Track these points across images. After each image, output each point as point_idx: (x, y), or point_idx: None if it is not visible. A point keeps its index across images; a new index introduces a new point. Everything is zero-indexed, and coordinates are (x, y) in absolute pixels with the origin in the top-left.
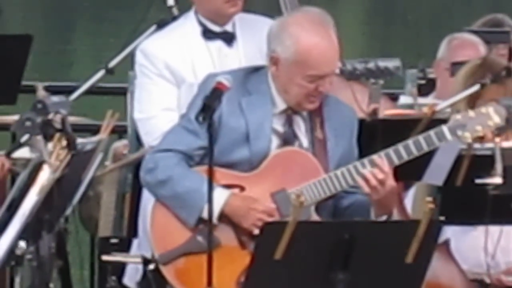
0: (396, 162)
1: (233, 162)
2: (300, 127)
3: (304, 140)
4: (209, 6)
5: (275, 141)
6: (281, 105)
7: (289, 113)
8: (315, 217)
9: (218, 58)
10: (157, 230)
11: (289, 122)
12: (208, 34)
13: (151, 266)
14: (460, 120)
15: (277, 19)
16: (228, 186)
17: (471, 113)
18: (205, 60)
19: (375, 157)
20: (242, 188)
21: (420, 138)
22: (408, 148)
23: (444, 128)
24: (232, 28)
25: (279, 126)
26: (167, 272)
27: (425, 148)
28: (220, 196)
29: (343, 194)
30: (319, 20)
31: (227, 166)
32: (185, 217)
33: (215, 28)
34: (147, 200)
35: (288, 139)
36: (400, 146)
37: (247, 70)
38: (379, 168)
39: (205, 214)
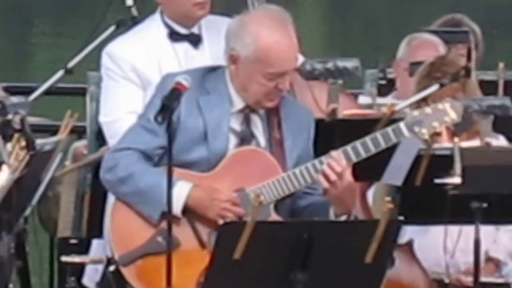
0: (354, 159)
1: (191, 161)
2: (258, 126)
3: (262, 140)
4: (177, 9)
5: (233, 140)
6: (238, 104)
7: (247, 112)
8: (274, 216)
9: (185, 60)
10: (116, 231)
11: (246, 121)
12: (174, 36)
13: (111, 268)
14: (417, 116)
15: (235, 17)
16: None
17: (428, 109)
18: (171, 62)
19: (332, 152)
20: None
21: (378, 134)
22: (365, 145)
23: (401, 125)
24: (198, 30)
25: (236, 125)
26: (127, 273)
27: (383, 145)
28: (183, 189)
29: (301, 194)
30: (279, 17)
31: (185, 166)
32: (149, 213)
33: (182, 30)
34: (112, 200)
35: (245, 138)
36: (357, 143)
37: (205, 70)
38: (336, 162)
39: (167, 208)
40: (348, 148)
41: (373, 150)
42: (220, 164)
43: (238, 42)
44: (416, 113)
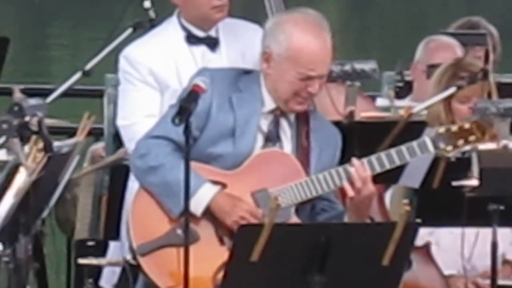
0: (378, 169)
1: (216, 154)
2: (285, 131)
3: (287, 144)
4: (196, 12)
5: (259, 139)
6: (270, 105)
7: (277, 114)
8: (295, 219)
9: (202, 63)
10: (137, 221)
11: (275, 123)
12: (191, 39)
13: (128, 257)
14: (443, 133)
15: (273, 16)
16: (211, 182)
17: (454, 127)
18: (189, 65)
19: (356, 161)
20: (224, 185)
21: (403, 148)
22: (390, 157)
23: (427, 140)
24: (216, 33)
25: (264, 125)
26: (145, 263)
27: (407, 158)
28: (208, 191)
29: (319, 210)
30: (315, 21)
31: (210, 157)
32: (170, 207)
33: (199, 33)
34: (130, 202)
35: (270, 138)
36: (382, 154)
37: (240, 70)
38: (361, 169)
39: (191, 207)
40: (373, 158)
41: (397, 162)
42: (245, 163)
43: (272, 40)
44: (442, 130)
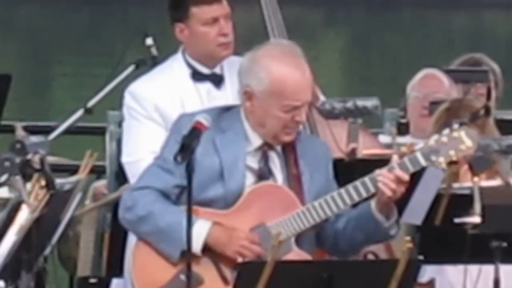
0: (372, 190)
1: (208, 200)
2: (275, 163)
3: (279, 176)
4: (201, 49)
5: (250, 178)
6: (256, 142)
7: (265, 149)
8: (296, 250)
9: (207, 100)
10: (139, 271)
11: (264, 159)
12: (197, 76)
13: None
14: (433, 145)
15: (246, 54)
16: None
17: (444, 138)
18: (194, 102)
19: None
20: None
21: (395, 164)
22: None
23: (418, 154)
24: (220, 70)
25: (254, 163)
26: None
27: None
28: (202, 228)
29: (333, 219)
30: (290, 51)
31: (202, 204)
32: (169, 252)
33: (204, 70)
34: (133, 239)
35: (263, 175)
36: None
37: (220, 109)
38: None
39: (186, 247)
40: (367, 179)
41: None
42: (239, 201)
43: (252, 78)
44: (432, 142)
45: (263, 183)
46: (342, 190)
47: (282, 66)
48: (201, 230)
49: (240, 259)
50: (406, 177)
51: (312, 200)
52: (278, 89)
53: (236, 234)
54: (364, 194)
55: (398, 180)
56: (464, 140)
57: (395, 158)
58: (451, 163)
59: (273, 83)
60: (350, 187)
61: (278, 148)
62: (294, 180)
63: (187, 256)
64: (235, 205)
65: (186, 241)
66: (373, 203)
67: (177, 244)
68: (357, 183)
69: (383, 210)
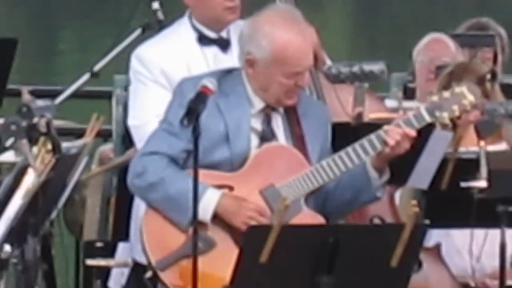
0: (379, 148)
1: (214, 162)
2: (279, 125)
3: (282, 137)
4: (208, 13)
5: (254, 140)
6: (258, 105)
7: (268, 111)
8: (305, 210)
9: (214, 63)
10: (151, 237)
11: (267, 121)
12: (203, 40)
13: (148, 274)
14: (436, 101)
15: (247, 19)
16: (217, 187)
17: (446, 93)
18: (201, 66)
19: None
20: (230, 188)
21: (400, 121)
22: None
23: (422, 110)
24: (227, 35)
25: (258, 124)
26: (166, 277)
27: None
28: (213, 196)
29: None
30: (290, 16)
31: (209, 167)
32: (178, 219)
33: (211, 34)
34: (139, 203)
35: (266, 137)
36: (380, 132)
37: (221, 73)
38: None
39: (199, 215)
40: (373, 136)
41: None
42: (247, 163)
43: (253, 46)
44: (435, 98)
45: (269, 144)
46: (349, 149)
47: (283, 33)
48: (211, 199)
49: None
50: (413, 133)
51: (316, 159)
52: (280, 56)
53: (245, 205)
54: (371, 152)
55: (405, 135)
56: (467, 95)
57: (400, 114)
58: (455, 125)
59: (275, 51)
60: (356, 145)
61: (281, 109)
62: (298, 141)
63: (194, 222)
64: (243, 167)
65: (193, 205)
66: (368, 159)
67: (187, 212)
68: (364, 141)
69: (379, 166)
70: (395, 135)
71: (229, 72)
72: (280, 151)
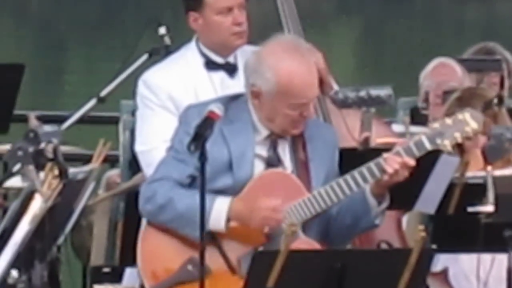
0: (378, 175)
1: (217, 190)
2: (284, 150)
3: (288, 163)
4: (215, 38)
5: (259, 166)
6: (264, 132)
7: (273, 138)
8: (302, 238)
9: (221, 89)
10: (146, 262)
11: (273, 147)
12: (210, 65)
13: None
14: (438, 128)
15: (252, 52)
16: None
17: (448, 120)
18: (208, 91)
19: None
20: None
21: (400, 149)
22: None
23: (423, 137)
24: (234, 59)
25: (263, 151)
26: None
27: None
28: (223, 204)
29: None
30: (294, 47)
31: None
32: (193, 235)
33: (218, 59)
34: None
35: (272, 163)
36: (380, 160)
37: (227, 99)
38: (394, 156)
39: (211, 227)
40: (372, 164)
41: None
42: (245, 188)
43: (258, 78)
44: (436, 125)
45: (269, 170)
46: (348, 176)
47: (287, 65)
48: (221, 208)
49: (266, 229)
50: (412, 162)
51: (320, 185)
52: (285, 89)
53: (257, 206)
54: (370, 179)
55: (404, 164)
56: (469, 122)
57: (400, 142)
58: (455, 145)
59: (279, 84)
60: (355, 172)
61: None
62: (302, 167)
63: (201, 243)
64: (242, 192)
65: (200, 227)
66: (368, 186)
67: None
68: (363, 168)
69: (378, 193)
70: (394, 164)
71: (235, 98)
72: (279, 177)
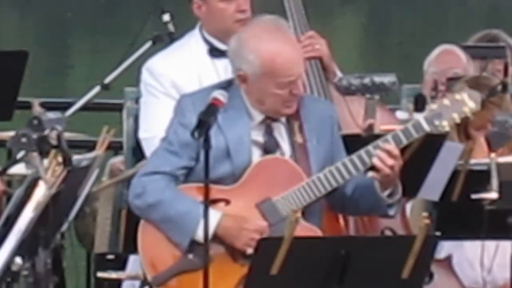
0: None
1: (217, 178)
2: (282, 134)
3: (286, 146)
4: (219, 25)
5: (256, 152)
6: (258, 117)
7: (268, 122)
8: (302, 223)
9: (225, 76)
10: (147, 253)
11: (269, 131)
12: (214, 52)
13: None
14: (436, 109)
15: (233, 36)
16: (213, 201)
17: (446, 101)
18: (212, 78)
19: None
20: (227, 202)
21: (398, 132)
22: (387, 143)
23: (421, 119)
24: None
25: (259, 137)
26: None
27: (404, 141)
28: (213, 218)
29: (344, 184)
30: (274, 27)
31: (212, 183)
32: (178, 240)
33: (222, 46)
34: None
35: (269, 148)
36: (378, 141)
37: (219, 86)
38: (389, 148)
39: (197, 237)
40: (370, 147)
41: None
42: (243, 176)
43: (242, 62)
44: (434, 106)
45: (266, 157)
46: (346, 160)
47: (269, 45)
48: (211, 222)
49: (249, 251)
50: (395, 151)
51: (318, 166)
52: (270, 69)
53: (245, 226)
54: (369, 163)
55: (390, 154)
56: (467, 102)
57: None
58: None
59: (263, 64)
60: (354, 156)
61: (282, 118)
62: (300, 149)
63: (205, 240)
64: (240, 180)
65: (203, 216)
66: (376, 180)
67: (186, 233)
68: (361, 152)
69: (387, 186)
70: (386, 160)
71: (228, 84)
72: (277, 163)
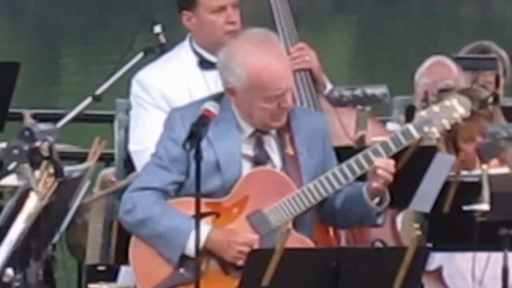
0: (367, 167)
1: (207, 192)
2: (272, 147)
3: (276, 159)
4: (209, 37)
5: (247, 166)
6: (248, 130)
7: (258, 135)
8: (293, 234)
9: (215, 87)
10: (139, 267)
11: (259, 145)
12: (204, 64)
13: None
14: (425, 116)
15: (221, 49)
16: (202, 215)
17: (436, 107)
18: (201, 90)
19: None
20: (217, 215)
21: (388, 140)
22: (375, 151)
23: (410, 126)
24: None
25: (249, 150)
26: None
27: (393, 149)
28: (202, 232)
29: (333, 195)
30: (262, 40)
31: (202, 197)
32: (168, 255)
33: (212, 58)
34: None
35: (260, 161)
36: (368, 150)
37: (210, 99)
38: (386, 163)
39: (187, 252)
40: (360, 156)
41: (383, 154)
42: (233, 189)
43: (230, 75)
44: (423, 113)
45: (256, 168)
46: (336, 170)
47: (256, 59)
48: (201, 236)
49: (239, 263)
50: (391, 165)
51: (311, 178)
52: (257, 82)
53: (234, 239)
54: (358, 172)
55: (389, 164)
56: (457, 108)
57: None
58: (444, 131)
59: (250, 78)
60: (343, 166)
61: (272, 131)
62: (291, 161)
63: (196, 251)
64: (230, 193)
65: (195, 228)
66: (364, 188)
67: (176, 249)
68: (351, 161)
69: (378, 194)
70: (385, 175)
71: (219, 97)
72: (267, 175)
